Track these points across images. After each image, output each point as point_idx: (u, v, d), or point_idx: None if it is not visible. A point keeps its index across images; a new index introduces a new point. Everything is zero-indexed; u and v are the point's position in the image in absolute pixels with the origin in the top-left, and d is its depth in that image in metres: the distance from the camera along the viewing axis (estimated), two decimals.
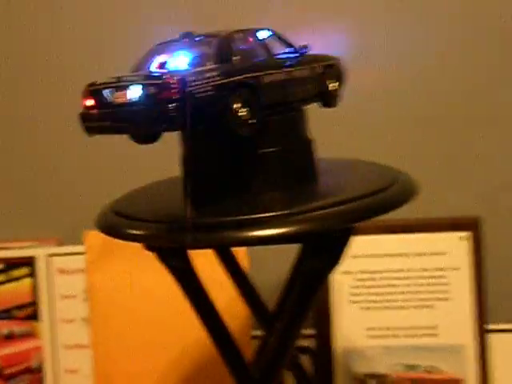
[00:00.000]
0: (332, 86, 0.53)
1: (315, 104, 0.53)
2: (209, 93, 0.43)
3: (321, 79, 0.52)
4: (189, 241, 0.43)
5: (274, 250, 0.92)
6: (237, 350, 0.50)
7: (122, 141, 0.95)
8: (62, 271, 0.92)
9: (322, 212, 0.43)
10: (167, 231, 0.44)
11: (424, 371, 0.86)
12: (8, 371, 0.91)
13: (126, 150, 0.92)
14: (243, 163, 0.48)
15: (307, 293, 0.47)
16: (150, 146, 0.86)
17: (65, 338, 0.91)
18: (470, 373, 0.86)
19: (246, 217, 0.44)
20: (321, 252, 0.46)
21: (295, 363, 0.65)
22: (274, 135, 0.48)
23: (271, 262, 0.89)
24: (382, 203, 0.45)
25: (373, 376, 0.87)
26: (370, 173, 0.51)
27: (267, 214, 0.43)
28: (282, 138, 0.49)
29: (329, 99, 0.53)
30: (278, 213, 0.43)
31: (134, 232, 0.45)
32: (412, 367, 0.87)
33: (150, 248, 0.47)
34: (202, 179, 0.48)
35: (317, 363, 0.88)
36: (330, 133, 0.81)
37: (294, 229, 0.42)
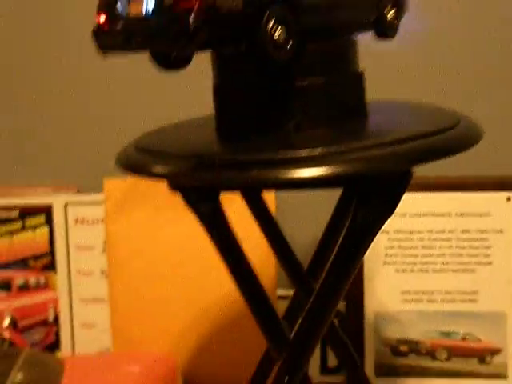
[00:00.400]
0: (390, 13, 0.46)
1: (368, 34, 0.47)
2: (238, 7, 0.36)
3: (377, 4, 0.45)
4: (218, 179, 0.37)
5: (303, 200, 0.87)
6: (271, 306, 0.45)
7: (147, 76, 0.90)
8: (80, 221, 0.87)
9: (377, 151, 0.37)
10: (195, 168, 0.38)
11: (461, 339, 0.81)
12: (23, 323, 0.88)
13: (151, 87, 0.87)
14: (280, 96, 0.41)
15: (354, 249, 0.42)
16: (179, 82, 0.80)
17: (82, 291, 0.88)
18: (511, 342, 0.81)
19: (285, 154, 0.38)
20: (373, 200, 0.40)
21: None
22: (316, 65, 0.42)
23: (300, 215, 0.84)
24: (447, 143, 0.39)
25: (406, 342, 0.82)
26: (430, 113, 0.45)
27: (312, 151, 0.37)
28: (325, 68, 0.42)
29: (385, 29, 0.46)
30: (326, 150, 0.37)
31: (158, 169, 0.40)
32: (448, 334, 0.81)
33: (175, 188, 0.42)
34: (235, 113, 0.43)
35: (347, 327, 0.84)
36: (382, 71, 0.75)
37: (344, 169, 0.37)
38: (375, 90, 0.48)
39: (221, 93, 0.43)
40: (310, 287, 0.56)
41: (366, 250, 0.43)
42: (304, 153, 0.38)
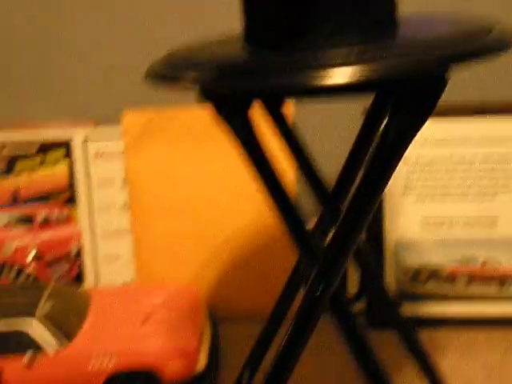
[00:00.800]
0: None
1: None
2: None
3: None
4: (249, 84, 0.37)
5: (323, 119, 0.85)
6: (303, 220, 0.45)
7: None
8: (100, 155, 0.87)
9: (413, 54, 0.36)
10: (225, 74, 0.38)
11: (481, 265, 0.82)
12: (47, 257, 0.89)
13: (175, 10, 0.85)
14: (309, 1, 0.40)
15: (388, 159, 0.41)
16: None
17: (104, 225, 0.88)
18: None
19: (319, 59, 0.37)
20: (409, 106, 0.39)
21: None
22: None
23: (320, 136, 0.83)
24: (483, 45, 0.38)
25: (426, 269, 0.83)
26: (464, 19, 0.44)
27: (346, 55, 0.37)
28: None
29: None
30: (360, 53, 0.37)
31: (188, 77, 0.39)
32: (468, 261, 0.82)
33: (206, 98, 0.42)
34: (264, 21, 0.42)
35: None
36: None
37: (379, 73, 0.36)
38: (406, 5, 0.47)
39: (248, 2, 0.43)
40: (336, 205, 0.56)
41: (399, 160, 0.43)
42: (338, 56, 0.37)
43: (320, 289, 0.44)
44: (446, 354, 0.77)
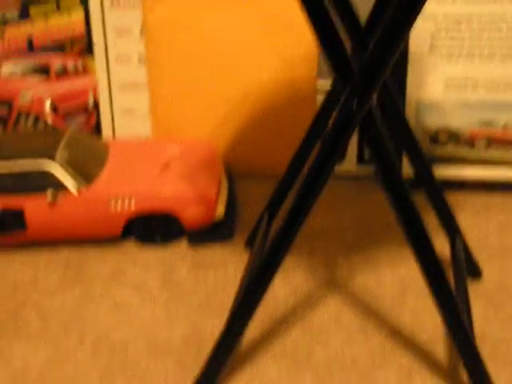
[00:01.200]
0: None
1: None
2: None
3: None
4: None
5: None
6: (340, 38, 0.43)
7: None
8: (116, 3, 0.84)
9: None
10: None
11: (501, 129, 0.81)
12: (64, 109, 0.88)
13: None
14: None
15: None
16: None
17: (120, 77, 0.86)
18: None
19: None
20: None
21: None
22: None
23: None
24: None
25: (445, 131, 0.82)
26: None
27: None
28: None
29: None
30: None
31: None
32: (488, 124, 0.81)
33: None
34: None
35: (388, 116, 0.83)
36: None
37: None
38: None
39: None
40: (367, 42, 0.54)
41: None
42: None
43: (355, 104, 0.44)
44: (463, 213, 0.78)
